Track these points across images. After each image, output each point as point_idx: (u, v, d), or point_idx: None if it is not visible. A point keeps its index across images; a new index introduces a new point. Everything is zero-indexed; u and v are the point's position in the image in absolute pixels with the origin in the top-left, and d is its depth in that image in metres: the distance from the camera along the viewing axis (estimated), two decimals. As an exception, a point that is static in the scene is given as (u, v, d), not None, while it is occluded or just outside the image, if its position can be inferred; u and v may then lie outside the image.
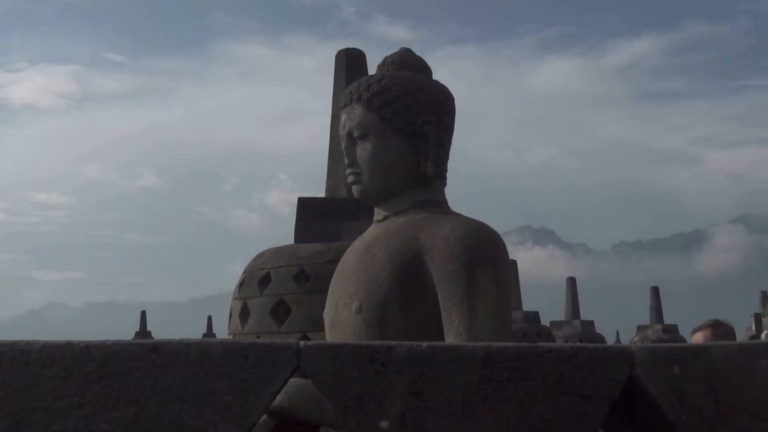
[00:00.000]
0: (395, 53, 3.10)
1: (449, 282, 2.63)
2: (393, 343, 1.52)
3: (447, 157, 3.01)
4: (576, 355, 1.57)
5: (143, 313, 28.39)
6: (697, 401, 1.63)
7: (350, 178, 2.97)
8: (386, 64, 3.07)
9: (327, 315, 2.96)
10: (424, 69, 3.07)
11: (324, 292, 9.23)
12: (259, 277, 8.95)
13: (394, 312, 2.71)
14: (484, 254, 2.64)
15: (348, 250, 3.03)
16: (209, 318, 30.51)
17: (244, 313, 8.98)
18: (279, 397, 2.82)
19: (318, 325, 8.56)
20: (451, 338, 2.58)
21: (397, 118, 2.88)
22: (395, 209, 2.92)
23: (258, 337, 8.96)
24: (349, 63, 9.71)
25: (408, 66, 3.03)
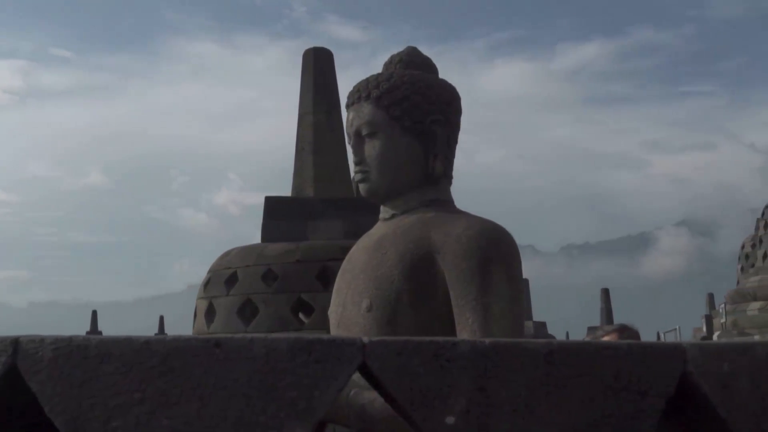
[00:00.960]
0: (402, 52, 3.10)
1: (463, 280, 2.64)
2: (456, 339, 1.52)
3: (453, 157, 3.02)
4: (632, 352, 1.59)
5: (94, 313, 28.00)
6: (744, 397, 1.66)
7: (357, 176, 2.96)
8: (393, 62, 3.07)
9: (333, 313, 2.95)
10: (430, 68, 3.08)
11: (291, 291, 9.17)
12: (225, 277, 8.90)
13: (405, 310, 2.71)
14: (497, 253, 2.66)
15: (354, 248, 3.03)
16: (161, 318, 30.20)
17: (210, 313, 8.92)
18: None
19: (285, 325, 8.54)
20: (464, 336, 2.60)
21: (406, 117, 2.89)
22: (403, 208, 2.93)
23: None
24: (317, 62, 9.70)
25: (415, 65, 3.04)
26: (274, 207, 9.14)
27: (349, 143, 3.04)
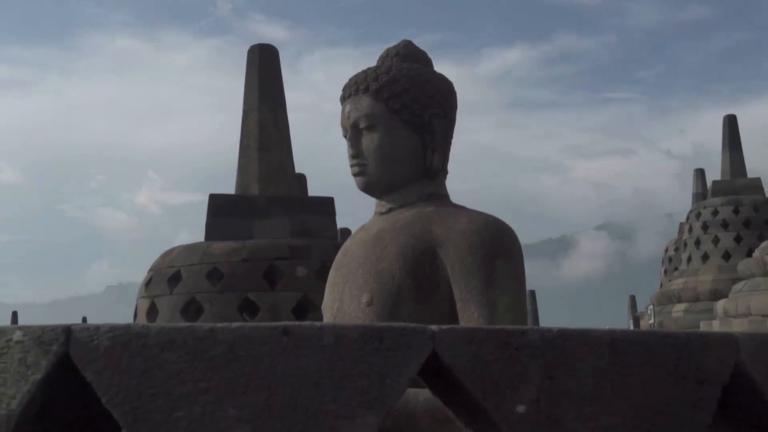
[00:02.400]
0: (398, 45, 3.08)
1: (467, 274, 2.63)
2: (525, 327, 1.51)
3: (449, 151, 3.02)
4: (691, 340, 1.60)
5: (14, 314, 27.24)
6: (790, 386, 1.68)
7: (354, 170, 2.93)
8: (390, 55, 3.05)
9: (328, 308, 2.92)
10: (427, 62, 3.07)
11: (237, 290, 9.05)
12: (168, 275, 8.73)
13: (407, 304, 2.69)
14: (501, 247, 2.67)
15: (349, 243, 2.99)
16: (84, 319, 29.55)
17: (152, 312, 8.75)
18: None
19: (231, 325, 8.42)
20: None
21: (405, 110, 2.87)
22: (401, 201, 2.91)
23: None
24: (263, 59, 9.60)
25: (412, 58, 3.02)
26: (218, 205, 9.01)
27: (345, 136, 3.01)
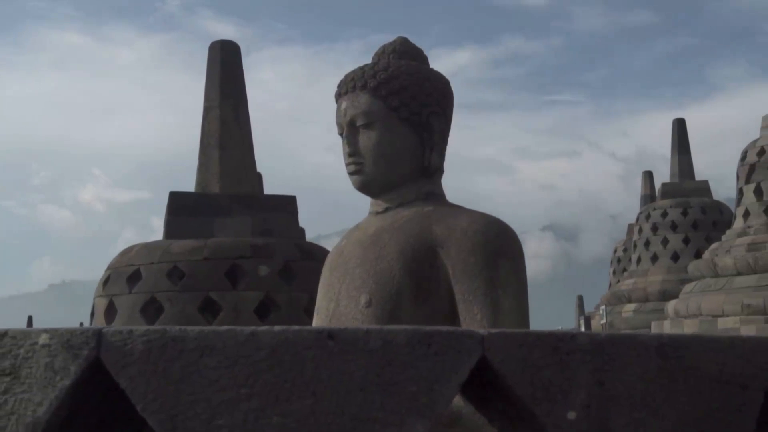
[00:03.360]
0: (394, 42, 3.03)
1: (470, 274, 2.59)
2: (574, 331, 1.47)
3: (445, 150, 2.98)
4: (734, 345, 1.57)
5: (-43, 312, 26.56)
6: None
7: (351, 168, 2.87)
8: (386, 52, 2.99)
9: (323, 309, 2.85)
10: (423, 59, 3.02)
11: (198, 290, 8.90)
12: (127, 274, 8.56)
13: (407, 305, 2.64)
14: (504, 248, 2.63)
15: (344, 242, 2.93)
16: (30, 318, 28.95)
17: (111, 312, 8.57)
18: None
19: (192, 324, 8.27)
20: None
21: (404, 108, 2.82)
22: (398, 201, 2.85)
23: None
24: (224, 55, 9.47)
25: (409, 55, 2.97)
26: (179, 203, 8.86)
27: (340, 134, 2.94)
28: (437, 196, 2.89)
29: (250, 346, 1.39)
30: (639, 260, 20.72)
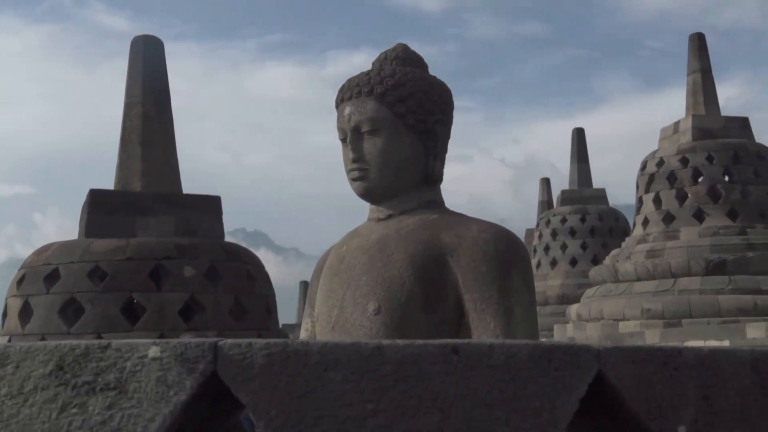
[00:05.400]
0: (396, 48, 3.01)
1: (482, 283, 2.60)
2: (680, 346, 1.49)
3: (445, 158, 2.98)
4: (815, 360, 1.62)
5: None
6: None
7: (354, 174, 2.83)
8: (389, 58, 2.97)
9: (324, 315, 2.80)
10: (424, 66, 3.02)
11: (122, 290, 8.67)
12: (45, 273, 8.28)
13: (416, 313, 2.63)
14: (515, 257, 2.65)
15: (344, 248, 2.89)
16: None
17: (26, 312, 8.27)
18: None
19: (114, 326, 8.05)
20: None
21: (410, 115, 2.81)
22: (401, 208, 2.84)
23: (43, 338, 8.22)
24: (147, 51, 9.25)
25: (411, 62, 2.97)
26: (99, 201, 8.60)
27: (342, 139, 2.91)
28: (438, 204, 2.89)
29: (375, 361, 1.36)
30: (539, 264, 21.19)
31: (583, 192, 21.56)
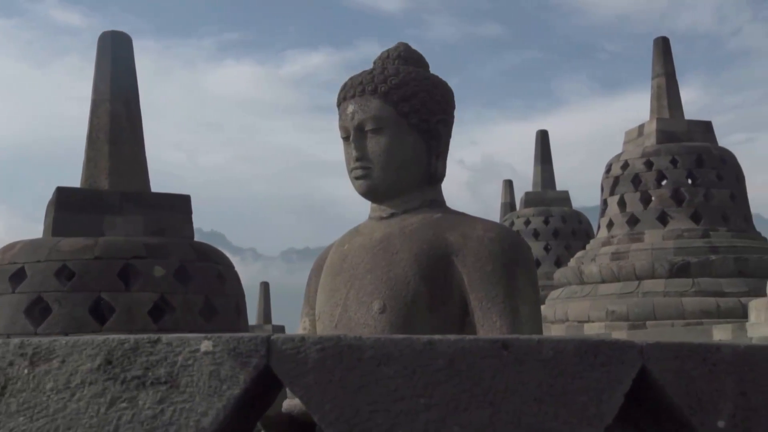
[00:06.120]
0: (398, 47, 3.02)
1: (488, 283, 2.62)
2: (720, 342, 1.52)
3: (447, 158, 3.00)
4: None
5: None
6: None
7: (357, 173, 2.83)
8: (391, 57, 2.98)
9: (326, 314, 2.80)
10: (425, 65, 3.03)
11: (90, 290, 8.55)
12: (10, 272, 8.15)
13: (421, 312, 2.65)
14: (520, 256, 2.67)
15: (345, 247, 2.89)
16: None
17: (-10, 311, 8.12)
18: (290, 402, 2.64)
19: (82, 326, 7.95)
20: None
21: (414, 114, 2.82)
22: (404, 207, 2.85)
23: (8, 338, 8.08)
24: (115, 47, 9.15)
25: (414, 61, 2.98)
26: (67, 199, 8.48)
27: (344, 137, 2.90)
28: (440, 203, 2.90)
29: (427, 355, 1.36)
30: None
31: (547, 194, 21.75)
